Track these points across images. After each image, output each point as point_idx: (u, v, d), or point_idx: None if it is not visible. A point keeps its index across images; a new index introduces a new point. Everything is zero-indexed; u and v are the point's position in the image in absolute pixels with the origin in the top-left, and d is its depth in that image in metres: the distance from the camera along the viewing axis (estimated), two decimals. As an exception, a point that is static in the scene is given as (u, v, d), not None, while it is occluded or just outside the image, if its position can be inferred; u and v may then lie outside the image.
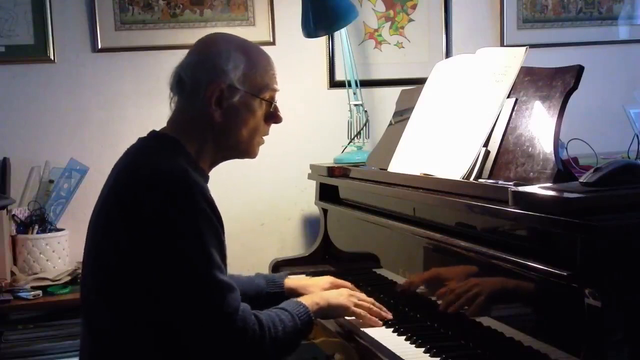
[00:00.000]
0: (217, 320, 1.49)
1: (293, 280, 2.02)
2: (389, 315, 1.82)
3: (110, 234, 1.55)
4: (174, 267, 1.49)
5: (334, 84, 2.97)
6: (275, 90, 1.71)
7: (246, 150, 1.72)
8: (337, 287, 1.96)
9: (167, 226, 1.49)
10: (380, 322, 1.80)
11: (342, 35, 2.70)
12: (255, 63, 1.67)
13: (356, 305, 1.80)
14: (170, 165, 1.54)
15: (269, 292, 1.95)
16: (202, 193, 1.53)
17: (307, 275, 2.38)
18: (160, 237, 1.49)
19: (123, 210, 1.53)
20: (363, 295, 1.87)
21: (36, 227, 2.61)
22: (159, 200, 1.49)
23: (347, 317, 1.82)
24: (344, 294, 1.82)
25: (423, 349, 1.61)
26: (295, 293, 1.94)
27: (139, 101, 2.84)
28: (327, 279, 1.99)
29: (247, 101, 1.66)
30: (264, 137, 1.75)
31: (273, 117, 1.72)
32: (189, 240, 1.49)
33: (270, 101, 1.70)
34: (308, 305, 1.69)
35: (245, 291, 1.90)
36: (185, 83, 1.65)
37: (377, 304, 1.85)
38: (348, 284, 1.97)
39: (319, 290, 1.93)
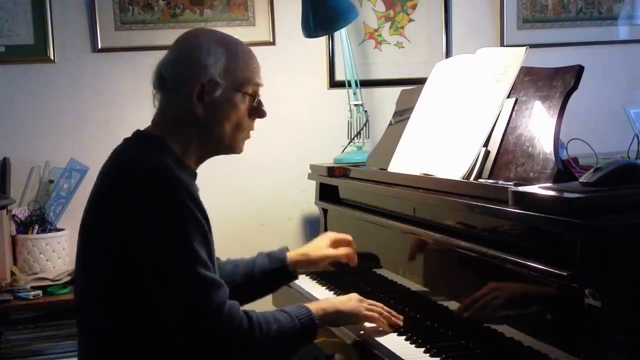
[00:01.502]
0: (201, 316, 1.49)
1: (295, 252, 1.99)
2: (400, 322, 1.75)
3: (97, 234, 1.56)
4: (158, 264, 1.49)
5: (334, 84, 2.97)
6: (258, 85, 1.70)
7: (230, 145, 1.70)
8: (337, 241, 1.97)
9: (150, 224, 1.49)
10: (398, 323, 1.74)
11: (342, 35, 2.70)
12: (235, 57, 1.66)
13: (367, 311, 1.74)
14: (153, 162, 1.54)
15: (273, 269, 1.93)
16: (185, 189, 1.52)
17: (307, 275, 2.39)
18: (143, 235, 1.49)
19: (108, 210, 1.54)
20: (372, 301, 1.79)
21: (36, 227, 2.61)
22: (141, 198, 1.50)
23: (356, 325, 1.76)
24: (354, 299, 1.76)
25: (423, 349, 1.60)
26: (299, 264, 1.94)
27: (138, 101, 2.83)
28: (327, 235, 2.00)
29: (229, 96, 1.64)
30: (251, 132, 1.73)
31: (257, 111, 1.70)
32: (173, 237, 1.49)
33: (253, 95, 1.69)
34: (313, 310, 1.65)
35: (250, 272, 1.91)
36: (167, 80, 1.64)
37: (386, 308, 1.78)
38: (348, 236, 1.98)
39: (322, 251, 1.94)
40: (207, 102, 1.62)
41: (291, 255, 1.97)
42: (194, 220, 1.51)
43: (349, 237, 1.99)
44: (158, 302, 1.51)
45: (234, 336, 1.51)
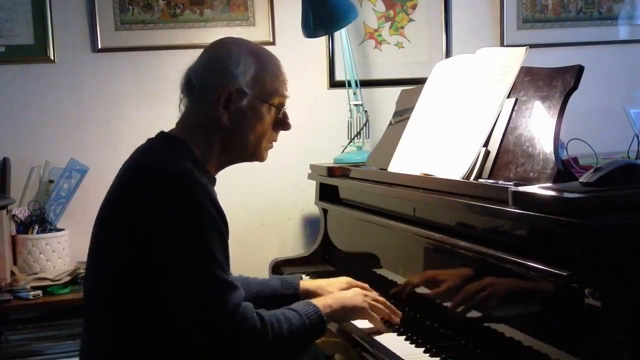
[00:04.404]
0: (216, 317, 1.49)
1: (308, 282, 1.99)
2: (397, 319, 1.79)
3: (113, 234, 1.56)
4: (174, 265, 1.49)
5: (334, 84, 2.97)
6: (284, 97, 1.71)
7: (253, 154, 1.72)
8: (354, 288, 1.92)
9: (167, 224, 1.49)
10: (396, 320, 1.78)
11: (342, 35, 2.70)
12: (265, 68, 1.67)
13: (371, 307, 1.76)
14: (173, 164, 1.54)
15: (283, 294, 1.92)
16: (206, 193, 1.53)
17: (307, 275, 2.39)
18: (160, 235, 1.49)
19: (124, 209, 1.54)
20: (376, 295, 1.83)
21: (36, 227, 2.61)
22: (159, 198, 1.50)
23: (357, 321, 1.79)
24: (358, 294, 1.79)
25: (423, 349, 1.61)
26: (310, 294, 1.92)
27: (138, 101, 2.84)
28: (344, 280, 1.96)
29: (255, 106, 1.65)
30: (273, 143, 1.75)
31: (281, 123, 1.72)
32: (190, 238, 1.49)
33: (279, 107, 1.70)
34: (319, 306, 1.66)
35: (260, 292, 1.90)
36: (195, 85, 1.65)
37: (388, 304, 1.81)
38: (365, 285, 1.93)
39: (335, 291, 1.89)
40: (232, 111, 1.63)
41: (304, 284, 1.96)
42: (212, 222, 1.52)
43: (366, 285, 1.94)
44: (171, 302, 1.51)
45: (248, 338, 1.51)
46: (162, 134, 1.68)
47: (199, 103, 1.65)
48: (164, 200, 1.50)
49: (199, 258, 1.49)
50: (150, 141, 1.68)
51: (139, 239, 1.50)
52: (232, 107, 1.63)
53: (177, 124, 1.70)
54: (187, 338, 1.51)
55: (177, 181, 1.51)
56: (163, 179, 1.52)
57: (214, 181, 1.69)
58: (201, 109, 1.65)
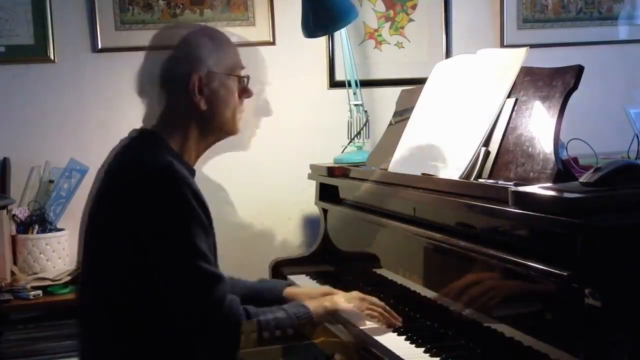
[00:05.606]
0: (202, 309, 1.51)
1: (293, 290, 1.98)
2: (398, 322, 1.77)
3: (102, 234, 1.57)
4: (160, 259, 1.51)
5: (334, 84, 2.97)
6: (243, 67, 1.75)
7: (230, 129, 1.74)
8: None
9: (152, 219, 1.50)
10: (396, 324, 1.76)
11: (342, 35, 2.70)
12: (222, 44, 1.71)
13: (368, 309, 1.77)
14: (153, 158, 1.56)
15: (266, 299, 1.90)
16: (187, 185, 1.54)
17: (307, 275, 2.39)
18: (145, 230, 1.51)
19: (112, 209, 1.55)
20: (375, 300, 1.81)
21: (36, 227, 2.61)
22: (144, 196, 1.51)
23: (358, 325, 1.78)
24: (356, 298, 1.79)
25: (423, 349, 1.60)
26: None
27: (138, 101, 2.83)
28: (323, 289, 1.95)
29: (224, 82, 1.69)
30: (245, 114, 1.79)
31: (245, 91, 1.75)
32: (174, 231, 1.51)
33: (243, 76, 1.73)
34: (312, 307, 1.68)
35: (244, 295, 1.90)
36: (165, 78, 1.66)
37: (387, 308, 1.79)
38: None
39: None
40: (206, 94, 1.65)
41: (288, 291, 1.94)
42: (194, 215, 1.53)
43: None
44: (161, 297, 1.51)
45: (234, 330, 1.52)
46: (135, 132, 1.69)
47: (171, 95, 1.67)
48: (146, 195, 1.51)
49: (182, 251, 1.51)
50: (125, 140, 1.69)
51: (129, 238, 1.51)
52: (206, 90, 1.65)
53: (146, 119, 1.71)
54: (177, 331, 1.52)
55: (158, 176, 1.53)
56: (145, 175, 1.53)
57: (193, 172, 1.70)
58: (175, 101, 1.66)
